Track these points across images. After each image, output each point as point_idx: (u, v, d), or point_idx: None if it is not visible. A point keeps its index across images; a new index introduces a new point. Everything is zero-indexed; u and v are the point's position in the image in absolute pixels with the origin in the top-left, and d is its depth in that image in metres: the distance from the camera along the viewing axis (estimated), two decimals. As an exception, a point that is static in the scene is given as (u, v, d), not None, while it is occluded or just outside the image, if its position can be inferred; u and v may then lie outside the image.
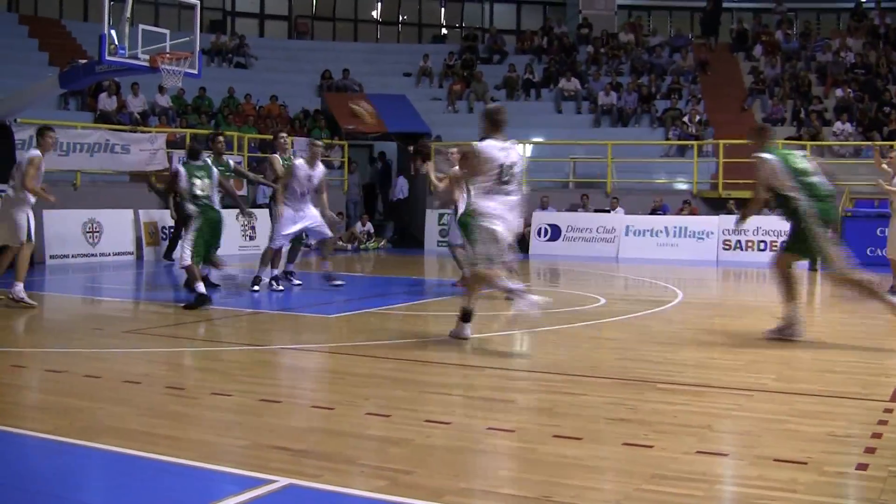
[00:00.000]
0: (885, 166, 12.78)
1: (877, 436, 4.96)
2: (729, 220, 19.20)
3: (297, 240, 12.35)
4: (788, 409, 5.57)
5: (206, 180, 10.69)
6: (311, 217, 11.76)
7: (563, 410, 5.53)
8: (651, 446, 4.71)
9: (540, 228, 20.64)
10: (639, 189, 21.75)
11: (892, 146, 16.69)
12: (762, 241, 18.36)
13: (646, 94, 25.38)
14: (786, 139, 21.93)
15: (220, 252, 11.08)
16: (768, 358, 7.50)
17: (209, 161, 11.25)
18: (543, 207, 21.12)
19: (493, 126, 8.03)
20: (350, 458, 4.51)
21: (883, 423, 5.26)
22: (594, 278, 15.23)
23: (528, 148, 23.57)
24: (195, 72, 13.53)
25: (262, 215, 16.55)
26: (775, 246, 17.83)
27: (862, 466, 4.40)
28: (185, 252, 10.28)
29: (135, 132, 18.77)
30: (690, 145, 22.09)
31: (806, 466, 4.37)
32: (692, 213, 20.26)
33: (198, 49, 13.63)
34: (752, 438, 4.95)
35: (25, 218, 9.88)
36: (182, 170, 10.75)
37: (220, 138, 12.60)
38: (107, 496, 4.14)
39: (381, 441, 4.84)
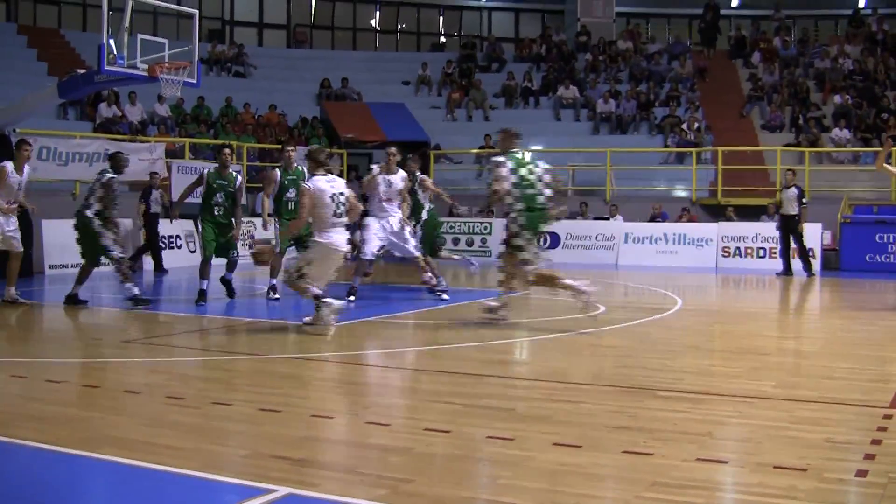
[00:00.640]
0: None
1: (876, 442, 4.96)
2: (728, 227, 19.25)
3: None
4: (788, 416, 5.57)
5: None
6: (396, 231, 11.70)
7: (562, 418, 5.53)
8: (651, 454, 4.71)
9: (539, 236, 20.61)
10: (638, 196, 21.76)
11: None
12: (762, 248, 18.37)
13: (644, 102, 25.41)
14: (784, 146, 22.01)
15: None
16: (768, 365, 7.51)
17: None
18: (542, 215, 21.10)
19: (315, 164, 9.28)
20: (350, 466, 4.51)
21: (882, 429, 5.26)
22: (594, 285, 15.19)
23: (527, 156, 23.58)
24: (194, 81, 13.54)
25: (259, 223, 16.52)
26: (774, 252, 17.86)
27: (862, 473, 4.40)
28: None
29: (134, 141, 18.78)
30: (689, 152, 22.11)
31: (806, 473, 4.38)
32: (691, 220, 20.26)
33: (196, 58, 13.66)
34: (752, 445, 4.95)
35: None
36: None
37: (227, 150, 11.96)
38: (107, 506, 4.15)
39: (381, 450, 4.84)
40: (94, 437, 5.01)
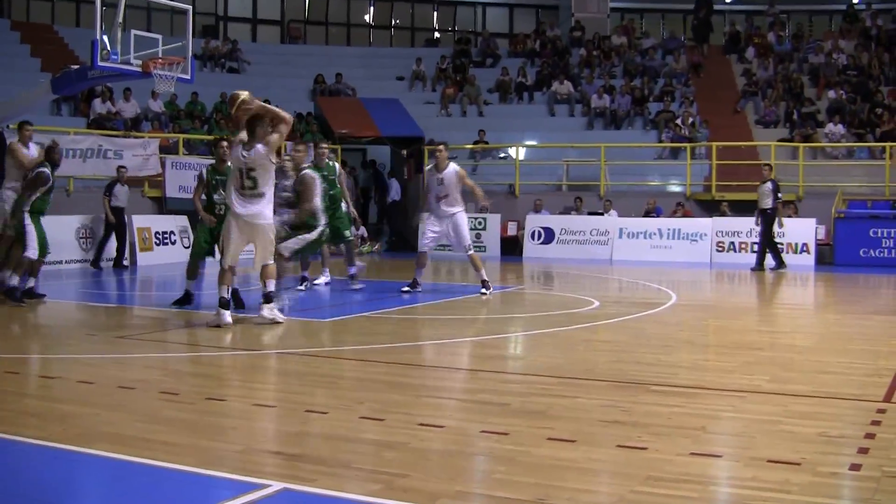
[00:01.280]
0: None
1: (870, 436, 4.97)
2: (723, 223, 19.28)
3: (316, 244, 11.81)
4: (782, 411, 5.58)
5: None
6: (448, 225, 11.98)
7: (557, 413, 5.53)
8: (645, 448, 4.72)
9: (534, 231, 20.67)
10: (632, 191, 21.79)
11: None
12: (755, 243, 18.41)
13: (639, 97, 25.41)
14: (778, 141, 22.03)
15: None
16: (762, 359, 7.52)
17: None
18: (537, 210, 21.14)
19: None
20: (345, 461, 4.51)
21: (876, 423, 5.27)
22: (588, 281, 15.24)
23: (522, 151, 23.61)
24: (188, 77, 13.53)
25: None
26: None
27: (855, 467, 4.41)
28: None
29: (128, 137, 18.74)
30: (683, 147, 22.13)
31: (800, 467, 4.39)
32: (685, 215, 20.29)
33: (190, 54, 13.65)
34: (746, 440, 4.97)
35: None
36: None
37: (224, 143, 11.05)
38: (102, 502, 4.14)
39: (375, 445, 4.84)
40: (89, 432, 5.00)
